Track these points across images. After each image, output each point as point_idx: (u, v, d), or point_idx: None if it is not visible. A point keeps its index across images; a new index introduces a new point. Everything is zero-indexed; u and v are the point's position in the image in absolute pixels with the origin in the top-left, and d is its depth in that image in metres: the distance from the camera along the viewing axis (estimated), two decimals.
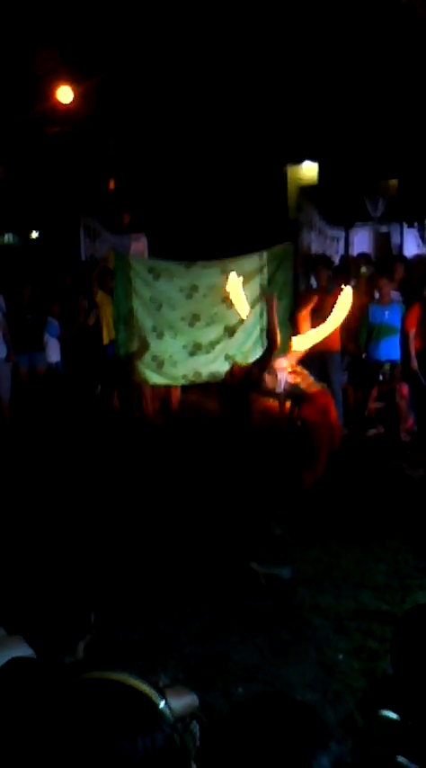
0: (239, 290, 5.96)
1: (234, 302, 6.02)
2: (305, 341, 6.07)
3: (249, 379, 5.82)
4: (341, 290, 8.31)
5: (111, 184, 17.29)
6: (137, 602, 4.45)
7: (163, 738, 1.08)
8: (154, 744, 1.06)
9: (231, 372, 6.15)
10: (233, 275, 5.97)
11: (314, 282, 8.84)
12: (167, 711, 1.17)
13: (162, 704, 1.15)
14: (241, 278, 8.83)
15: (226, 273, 8.80)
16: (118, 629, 4.10)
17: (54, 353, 9.19)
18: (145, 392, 9.28)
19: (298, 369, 5.99)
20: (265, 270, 8.58)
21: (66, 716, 1.08)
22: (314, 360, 7.97)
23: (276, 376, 5.82)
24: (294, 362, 5.94)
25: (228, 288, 5.95)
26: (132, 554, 5.15)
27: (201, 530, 5.59)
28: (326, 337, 7.83)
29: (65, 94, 13.87)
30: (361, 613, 4.29)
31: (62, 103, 14.05)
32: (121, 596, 4.47)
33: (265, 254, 8.77)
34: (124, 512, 6.02)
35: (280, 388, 5.86)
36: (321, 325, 6.07)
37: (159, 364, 8.92)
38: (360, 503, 6.08)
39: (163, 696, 2.13)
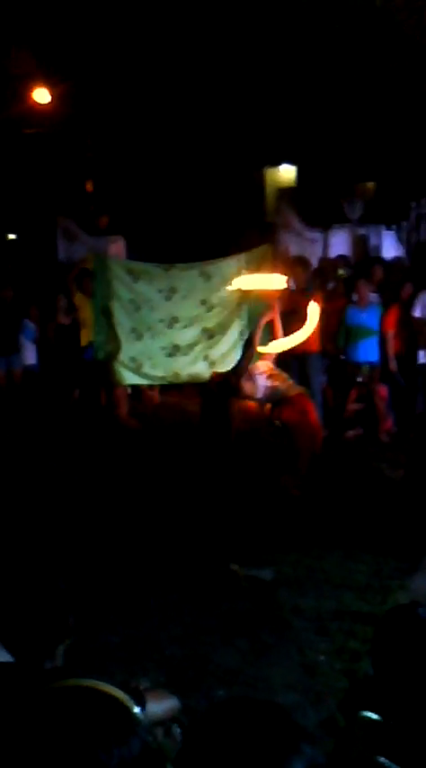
0: (254, 276, 5.98)
1: (258, 287, 6.00)
2: (276, 347, 6.07)
3: (228, 386, 5.82)
4: (320, 291, 8.38)
5: (89, 186, 17.22)
6: (118, 606, 4.42)
7: (138, 745, 1.06)
8: (129, 751, 1.04)
9: (211, 379, 6.15)
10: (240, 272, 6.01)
11: (292, 284, 8.86)
12: (142, 717, 1.15)
13: (137, 710, 1.13)
14: (221, 280, 8.88)
15: (204, 276, 8.84)
16: (98, 632, 4.07)
17: (30, 356, 9.13)
18: (118, 395, 9.24)
19: (276, 372, 6.01)
20: (243, 272, 8.60)
21: (40, 727, 1.06)
22: (293, 361, 8.00)
23: (254, 382, 5.83)
24: (271, 366, 5.96)
25: (242, 281, 5.95)
26: (113, 557, 5.12)
27: (182, 532, 5.58)
28: (305, 339, 7.90)
29: (41, 95, 13.81)
30: (342, 614, 4.29)
31: (39, 104, 13.99)
32: (102, 600, 4.43)
33: (243, 257, 8.79)
34: (103, 514, 5.99)
35: (260, 394, 5.87)
36: (293, 334, 6.07)
37: (138, 366, 8.92)
38: (341, 504, 6.09)
39: (138, 701, 2.11)
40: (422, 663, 1.59)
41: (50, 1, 13.22)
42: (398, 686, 1.61)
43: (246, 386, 5.79)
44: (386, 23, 10.08)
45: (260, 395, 5.91)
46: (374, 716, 1.78)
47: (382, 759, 1.49)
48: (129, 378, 8.99)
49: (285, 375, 6.11)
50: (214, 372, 6.35)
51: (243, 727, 1.01)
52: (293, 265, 8.50)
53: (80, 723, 1.06)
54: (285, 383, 5.93)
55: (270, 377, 5.88)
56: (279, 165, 16.57)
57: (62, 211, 11.22)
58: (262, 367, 5.90)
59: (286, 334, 8.27)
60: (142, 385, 9.58)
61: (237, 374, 5.77)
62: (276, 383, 5.90)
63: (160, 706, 2.40)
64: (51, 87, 13.88)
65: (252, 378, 5.85)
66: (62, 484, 6.73)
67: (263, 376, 5.86)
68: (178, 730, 2.44)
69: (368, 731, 1.72)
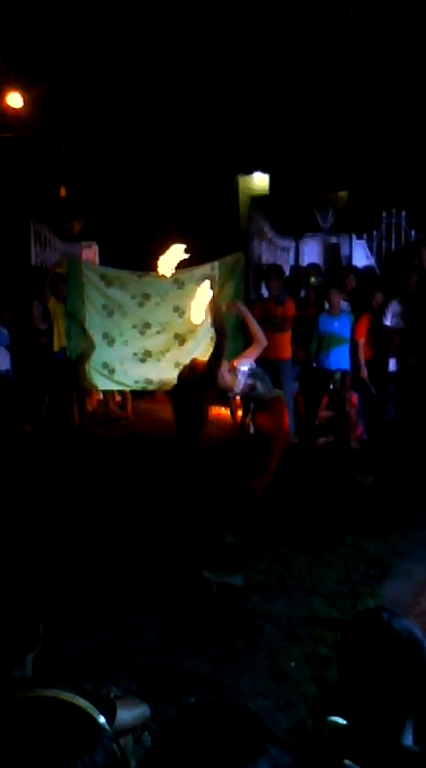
0: (206, 297, 5.90)
1: (193, 307, 5.95)
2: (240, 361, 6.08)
3: (207, 374, 5.74)
4: (292, 299, 8.45)
5: (62, 191, 17.16)
6: (89, 613, 4.40)
7: (103, 754, 1.07)
8: (93, 760, 1.05)
9: (189, 366, 6.08)
10: (206, 284, 5.92)
11: (265, 292, 8.92)
12: (107, 726, 1.15)
13: (101, 719, 1.14)
14: (193, 287, 8.88)
15: (178, 283, 8.87)
16: (69, 640, 4.05)
17: (3, 361, 9.05)
18: (89, 402, 9.21)
19: (259, 372, 6.01)
20: (216, 279, 8.66)
21: (2, 738, 1.06)
22: (265, 368, 8.05)
23: (236, 375, 5.82)
24: (254, 366, 5.93)
25: (197, 292, 5.84)
26: (82, 564, 5.10)
27: (153, 539, 5.57)
28: (277, 346, 7.96)
29: (14, 100, 13.76)
30: (313, 620, 4.32)
31: (12, 108, 13.93)
32: (72, 607, 4.41)
33: (216, 264, 8.85)
34: (73, 521, 5.96)
35: (239, 388, 5.83)
36: (249, 350, 6.04)
37: (110, 371, 8.94)
38: (311, 511, 6.13)
39: (108, 710, 2.11)
40: (386, 667, 1.61)
41: (22, 6, 13.17)
42: (363, 690, 1.63)
43: (226, 376, 5.75)
44: (356, 36, 10.21)
45: (238, 389, 5.87)
46: (341, 721, 1.81)
47: (348, 762, 1.51)
48: (102, 383, 9.01)
49: (266, 377, 6.13)
50: (195, 359, 6.29)
51: (208, 729, 1.02)
52: (267, 273, 8.57)
53: (43, 733, 1.06)
54: (264, 385, 5.95)
55: (252, 375, 5.88)
56: (252, 173, 16.66)
57: (35, 216, 11.17)
58: (247, 363, 5.89)
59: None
60: (112, 390, 9.59)
61: (217, 358, 5.69)
62: (256, 383, 5.91)
63: (130, 714, 2.41)
64: (24, 92, 13.84)
65: (234, 370, 5.82)
66: (32, 491, 6.68)
67: (247, 372, 5.85)
68: (148, 737, 2.45)
69: (336, 736, 1.75)
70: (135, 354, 8.98)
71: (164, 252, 6.12)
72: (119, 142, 15.20)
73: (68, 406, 9.22)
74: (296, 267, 10.14)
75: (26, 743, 1.04)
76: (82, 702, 1.14)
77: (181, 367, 8.30)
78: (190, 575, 4.86)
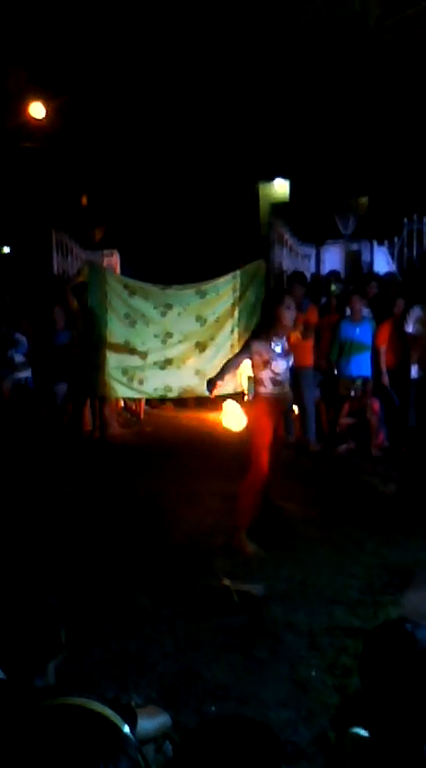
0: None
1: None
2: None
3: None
4: (315, 306, 8.43)
5: (84, 200, 17.29)
6: (110, 622, 4.41)
7: (127, 763, 1.07)
8: None
9: None
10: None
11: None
12: (131, 736, 1.15)
13: (126, 728, 1.14)
14: (216, 297, 8.95)
15: (200, 294, 8.90)
16: (90, 649, 4.06)
17: (23, 370, 9.11)
18: (108, 412, 9.21)
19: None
20: (237, 288, 8.69)
21: (29, 746, 1.07)
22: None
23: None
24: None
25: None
26: (105, 573, 5.11)
27: (174, 547, 5.58)
28: (299, 353, 7.95)
29: (37, 110, 13.90)
30: (334, 630, 4.29)
31: (35, 119, 14.07)
32: (94, 616, 4.42)
33: (238, 273, 8.89)
34: (96, 530, 5.98)
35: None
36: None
37: (130, 378, 8.96)
38: (333, 519, 6.10)
39: (129, 718, 2.11)
40: (409, 678, 1.60)
41: (45, 18, 13.32)
42: (386, 701, 1.62)
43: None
44: (378, 42, 10.20)
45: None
46: (363, 732, 1.80)
47: None
48: (121, 391, 9.03)
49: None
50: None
51: (226, 745, 1.03)
52: (290, 281, 8.56)
53: (68, 742, 1.06)
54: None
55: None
56: (273, 179, 16.68)
57: (57, 225, 11.27)
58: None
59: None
60: (130, 399, 9.61)
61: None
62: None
63: (151, 723, 2.41)
64: (46, 102, 13.98)
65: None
66: (52, 499, 6.72)
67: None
68: (169, 747, 2.45)
69: (358, 748, 1.73)
70: (155, 363, 9.00)
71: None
72: (139, 150, 15.29)
73: (81, 413, 9.24)
74: (316, 275, 10.12)
75: (52, 751, 1.05)
76: (107, 711, 1.15)
77: (200, 376, 8.35)
78: (211, 583, 4.86)
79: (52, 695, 1.17)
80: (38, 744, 1.06)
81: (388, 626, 1.72)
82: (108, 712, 1.14)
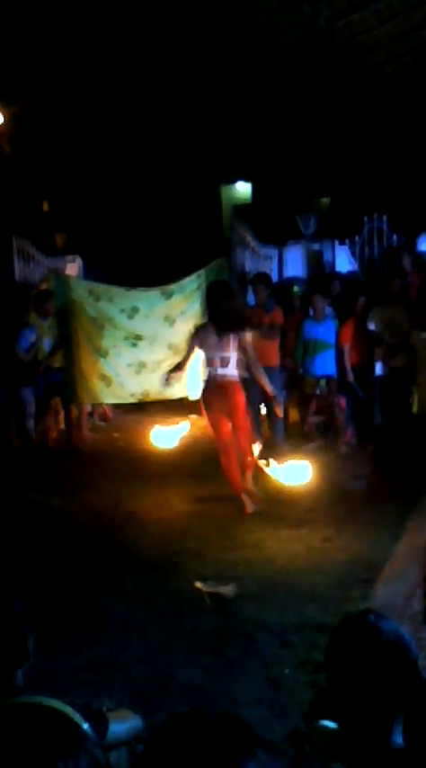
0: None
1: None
2: None
3: None
4: (280, 307, 8.50)
5: (45, 206, 17.18)
6: (80, 627, 4.39)
7: (86, 760, 1.07)
8: (76, 766, 1.05)
9: None
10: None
11: (251, 300, 8.95)
12: (91, 732, 1.15)
13: (85, 726, 1.14)
14: (182, 297, 8.96)
15: (166, 294, 8.90)
16: (61, 655, 4.03)
17: None
18: (79, 415, 9.16)
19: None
20: (203, 286, 8.71)
21: None
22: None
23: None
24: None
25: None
26: (74, 578, 5.08)
27: (145, 550, 5.57)
28: (265, 353, 8.08)
29: None
30: (306, 627, 4.31)
31: None
32: (63, 622, 4.40)
33: (203, 272, 8.90)
34: (64, 532, 5.95)
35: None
36: None
37: (107, 383, 8.92)
38: (302, 516, 6.14)
39: (101, 723, 2.10)
40: (374, 669, 1.62)
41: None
42: (352, 693, 1.64)
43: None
44: (330, 44, 10.31)
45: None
46: (331, 724, 1.82)
47: (336, 765, 1.52)
48: (99, 396, 8.98)
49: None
50: None
51: (198, 735, 1.03)
52: (254, 282, 8.61)
53: (26, 739, 1.06)
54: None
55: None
56: (235, 182, 16.75)
57: (18, 232, 11.17)
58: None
59: None
60: (104, 403, 9.57)
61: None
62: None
63: (123, 726, 2.41)
64: (4, 107, 13.84)
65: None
66: (18, 505, 6.67)
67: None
68: (142, 749, 2.45)
69: (326, 740, 1.75)
70: (129, 365, 8.97)
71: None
72: (100, 154, 15.25)
73: (54, 421, 9.17)
74: (279, 281, 10.19)
75: (9, 748, 1.05)
76: (66, 709, 1.15)
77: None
78: (183, 585, 4.86)
79: (11, 695, 1.17)
80: None
81: (352, 619, 1.74)
82: (67, 710, 1.14)
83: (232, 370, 6.21)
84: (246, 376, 6.49)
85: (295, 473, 6.70)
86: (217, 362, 6.17)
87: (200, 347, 6.26)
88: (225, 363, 6.17)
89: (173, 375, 6.52)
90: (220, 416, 6.24)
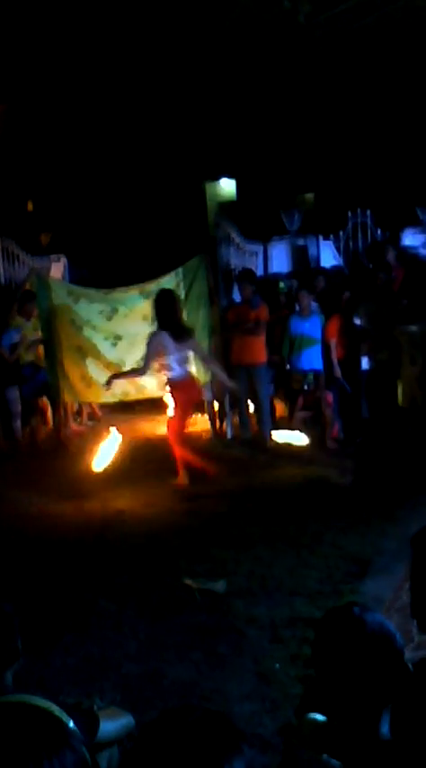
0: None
1: None
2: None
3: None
4: (265, 303, 8.50)
5: (29, 205, 17.10)
6: (71, 626, 4.39)
7: (72, 757, 1.08)
8: (62, 763, 1.06)
9: None
10: None
11: (237, 297, 8.97)
12: (77, 730, 1.16)
13: (71, 723, 1.15)
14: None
15: (144, 294, 8.87)
16: (52, 654, 4.03)
17: None
18: (64, 413, 9.14)
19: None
20: (181, 285, 8.69)
21: None
22: (241, 372, 8.10)
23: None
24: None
25: None
26: (63, 576, 5.08)
27: (134, 548, 5.57)
28: (252, 350, 8.12)
29: None
30: (296, 621, 4.33)
31: None
32: (54, 621, 4.40)
33: (181, 271, 8.88)
34: (53, 532, 5.94)
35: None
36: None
37: (88, 383, 8.90)
38: (290, 512, 6.16)
39: (91, 722, 2.11)
40: (359, 661, 1.64)
41: None
42: (339, 685, 1.66)
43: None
44: (311, 39, 10.33)
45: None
46: (320, 717, 1.83)
47: (325, 757, 1.54)
48: (84, 396, 8.97)
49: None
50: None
51: (185, 731, 1.05)
52: (240, 279, 8.62)
53: (11, 737, 1.07)
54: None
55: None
56: (219, 179, 16.74)
57: (2, 232, 11.13)
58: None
59: (231, 346, 8.42)
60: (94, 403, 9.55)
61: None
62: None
63: (114, 725, 2.42)
64: None
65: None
66: (6, 506, 6.65)
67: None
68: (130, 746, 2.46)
69: (315, 732, 1.77)
70: (109, 365, 8.96)
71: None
72: (85, 153, 15.20)
73: (41, 421, 9.15)
74: (264, 276, 10.20)
75: None
76: (52, 707, 1.15)
77: (157, 379, 8.45)
78: (172, 583, 4.87)
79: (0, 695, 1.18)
80: None
81: (337, 612, 1.76)
82: (52, 708, 1.15)
83: (189, 369, 7.01)
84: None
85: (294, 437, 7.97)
86: (178, 363, 6.85)
87: (164, 353, 6.84)
88: (182, 363, 6.89)
89: (115, 381, 7.42)
90: (188, 411, 7.17)
